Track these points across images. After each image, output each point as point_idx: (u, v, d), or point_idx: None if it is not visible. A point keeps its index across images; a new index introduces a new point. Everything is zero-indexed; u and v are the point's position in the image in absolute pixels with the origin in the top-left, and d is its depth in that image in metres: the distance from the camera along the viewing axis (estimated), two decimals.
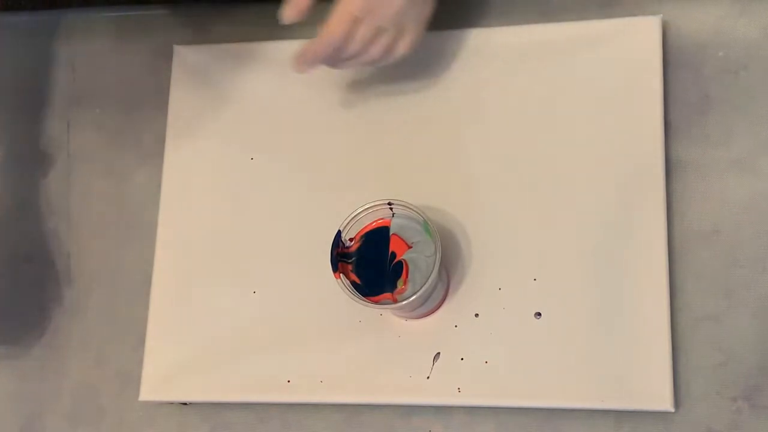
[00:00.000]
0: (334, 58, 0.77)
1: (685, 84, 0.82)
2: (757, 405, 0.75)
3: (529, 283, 0.80)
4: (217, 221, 0.88)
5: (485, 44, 0.86)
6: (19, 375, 0.91)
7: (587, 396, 0.76)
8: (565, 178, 0.81)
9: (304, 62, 0.77)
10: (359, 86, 0.88)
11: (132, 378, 0.87)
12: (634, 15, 0.83)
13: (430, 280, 0.72)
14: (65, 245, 0.93)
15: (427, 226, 0.75)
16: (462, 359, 0.79)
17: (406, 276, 0.75)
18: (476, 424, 0.80)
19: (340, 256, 0.76)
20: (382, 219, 0.76)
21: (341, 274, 0.75)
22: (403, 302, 0.73)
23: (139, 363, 0.86)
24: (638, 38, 0.82)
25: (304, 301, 0.84)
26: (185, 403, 0.86)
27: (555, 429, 0.78)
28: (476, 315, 0.80)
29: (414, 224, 0.76)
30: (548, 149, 0.82)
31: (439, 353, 0.80)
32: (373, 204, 0.75)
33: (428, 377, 0.80)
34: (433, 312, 0.81)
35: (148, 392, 0.85)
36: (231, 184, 0.89)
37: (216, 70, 0.92)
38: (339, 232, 0.75)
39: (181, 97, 0.93)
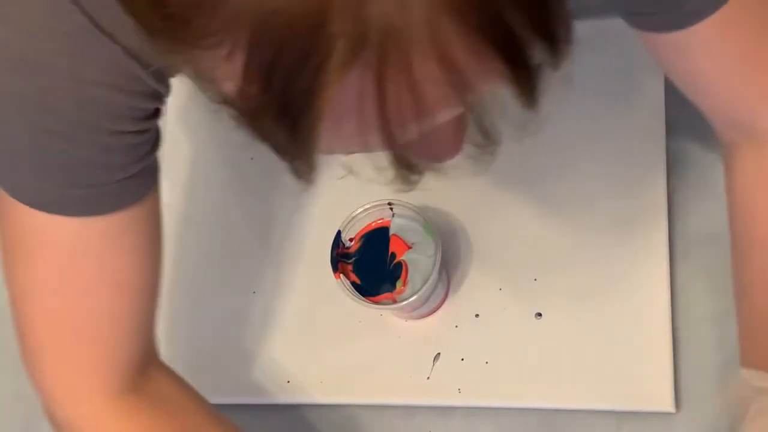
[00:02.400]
0: None
1: None
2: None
3: (529, 283, 0.79)
4: (217, 221, 0.88)
5: None
6: (20, 375, 0.91)
7: (588, 396, 0.76)
8: (566, 178, 0.81)
9: None
10: None
11: None
12: None
13: (430, 281, 0.72)
14: None
15: (427, 226, 0.75)
16: (462, 359, 0.79)
17: (406, 276, 0.75)
18: (476, 425, 0.79)
19: (340, 256, 0.75)
20: (382, 219, 0.76)
21: (341, 274, 0.75)
22: (403, 302, 0.72)
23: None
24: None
25: (304, 301, 0.84)
26: None
27: (555, 429, 0.78)
28: (476, 315, 0.80)
29: (414, 224, 0.76)
30: (549, 149, 0.82)
31: (439, 353, 0.80)
32: (373, 204, 0.75)
33: (428, 377, 0.80)
34: (433, 312, 0.81)
35: None
36: (231, 184, 0.89)
37: None
38: (339, 232, 0.75)
39: (180, 97, 0.92)
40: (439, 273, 0.74)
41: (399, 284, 0.75)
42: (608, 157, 0.80)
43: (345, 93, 0.33)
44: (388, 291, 0.75)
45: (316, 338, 0.83)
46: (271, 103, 0.35)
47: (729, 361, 0.76)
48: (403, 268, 0.75)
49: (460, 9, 0.32)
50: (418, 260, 0.75)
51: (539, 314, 0.79)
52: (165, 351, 0.85)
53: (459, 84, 0.35)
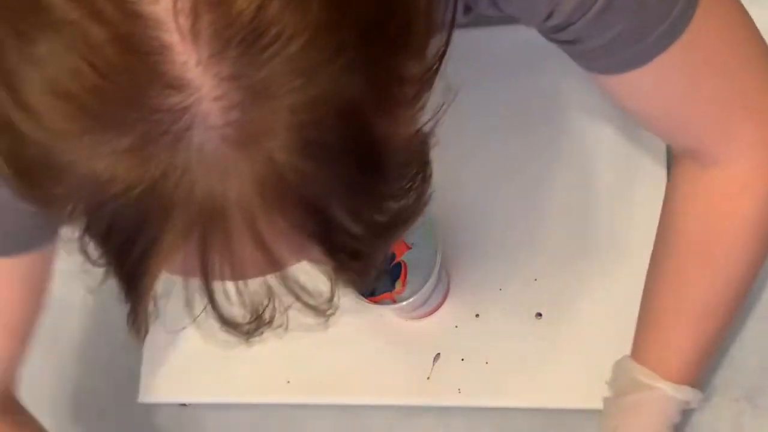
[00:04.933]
0: None
1: None
2: (759, 406, 0.75)
3: (529, 283, 0.79)
4: None
5: (486, 43, 0.86)
6: (19, 375, 0.91)
7: (588, 396, 0.76)
8: (567, 178, 0.81)
9: None
10: None
11: (132, 378, 0.87)
12: None
13: (429, 281, 0.72)
14: None
15: (427, 226, 0.74)
16: (462, 360, 0.79)
17: (405, 276, 0.75)
18: (476, 425, 0.79)
19: None
20: None
21: None
22: (403, 303, 0.72)
23: (139, 363, 0.86)
24: None
25: None
26: (185, 404, 0.86)
27: (555, 429, 0.78)
28: (476, 315, 0.80)
29: (414, 225, 0.76)
30: (550, 148, 0.82)
31: (439, 354, 0.80)
32: None
33: (428, 378, 0.80)
34: (433, 312, 0.81)
35: (147, 393, 0.85)
36: None
37: None
38: None
39: None
40: (439, 273, 0.74)
41: (398, 284, 0.75)
42: (608, 157, 0.80)
43: (174, 260, 0.36)
44: (387, 291, 0.75)
45: (316, 338, 0.82)
46: (108, 261, 0.38)
47: (729, 361, 0.76)
48: (403, 268, 0.75)
49: (272, 200, 0.35)
50: (418, 260, 0.75)
51: (539, 314, 0.79)
52: (165, 352, 0.86)
53: (275, 264, 0.38)
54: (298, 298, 0.40)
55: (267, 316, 0.41)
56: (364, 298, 0.74)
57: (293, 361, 0.83)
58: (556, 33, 0.55)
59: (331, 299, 0.42)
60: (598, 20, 0.52)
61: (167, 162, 0.33)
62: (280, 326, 0.42)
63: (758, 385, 0.75)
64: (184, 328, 0.78)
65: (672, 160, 0.80)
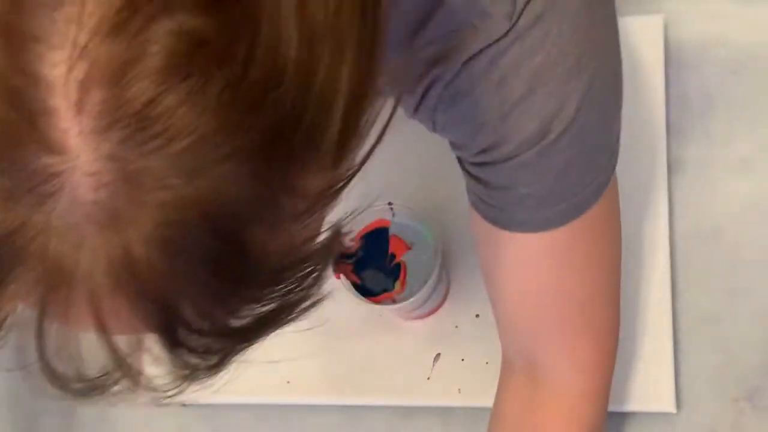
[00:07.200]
0: None
1: (687, 83, 0.82)
2: (759, 406, 0.75)
3: None
4: None
5: None
6: (19, 375, 0.91)
7: None
8: None
9: None
10: None
11: None
12: (636, 14, 0.83)
13: (429, 282, 0.72)
14: None
15: (427, 226, 0.74)
16: (462, 360, 0.79)
17: (405, 277, 0.75)
18: (477, 426, 0.79)
19: (340, 256, 0.75)
20: (382, 219, 0.76)
21: (341, 274, 0.74)
22: (403, 303, 0.72)
23: (139, 363, 0.86)
24: (640, 37, 0.82)
25: None
26: (185, 404, 0.86)
27: None
28: (477, 315, 0.80)
29: (414, 225, 0.76)
30: None
31: (439, 354, 0.80)
32: (373, 204, 0.75)
33: (428, 378, 0.80)
34: (433, 312, 0.81)
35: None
36: None
37: None
38: None
39: None
40: (439, 273, 0.74)
41: (398, 284, 0.75)
42: None
43: (13, 307, 0.35)
44: (387, 291, 0.75)
45: (316, 338, 0.82)
46: None
47: (729, 361, 0.76)
48: (403, 268, 0.75)
49: (119, 286, 0.34)
50: (417, 261, 0.75)
51: None
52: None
53: (107, 336, 0.37)
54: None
55: (106, 381, 0.39)
56: (364, 298, 0.74)
57: (293, 361, 0.82)
58: (479, 166, 0.56)
59: (171, 388, 0.39)
60: (528, 166, 0.53)
61: (26, 218, 0.33)
62: (128, 388, 0.39)
63: (758, 385, 0.75)
64: None
65: (671, 163, 0.80)
